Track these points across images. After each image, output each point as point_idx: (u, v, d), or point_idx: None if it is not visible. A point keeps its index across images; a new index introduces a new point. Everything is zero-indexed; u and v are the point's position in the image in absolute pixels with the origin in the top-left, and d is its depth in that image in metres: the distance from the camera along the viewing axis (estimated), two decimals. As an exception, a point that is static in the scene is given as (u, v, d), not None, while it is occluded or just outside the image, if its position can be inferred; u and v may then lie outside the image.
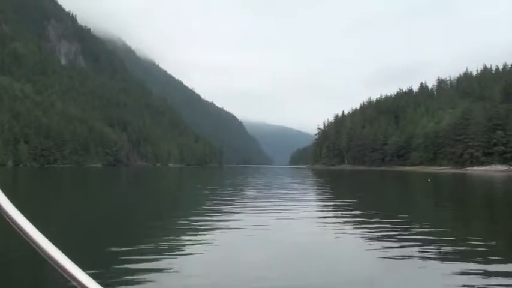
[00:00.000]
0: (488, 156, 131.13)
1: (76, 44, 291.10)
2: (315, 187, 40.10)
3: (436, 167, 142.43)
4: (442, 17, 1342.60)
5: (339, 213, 18.09)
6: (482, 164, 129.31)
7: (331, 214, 18.13)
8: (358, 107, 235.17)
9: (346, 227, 14.36)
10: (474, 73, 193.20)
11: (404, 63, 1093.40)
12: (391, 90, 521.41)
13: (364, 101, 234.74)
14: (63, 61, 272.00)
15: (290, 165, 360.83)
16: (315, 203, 24.06)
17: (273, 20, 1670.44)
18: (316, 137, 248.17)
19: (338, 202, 23.35)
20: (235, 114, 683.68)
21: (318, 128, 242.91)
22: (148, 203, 24.28)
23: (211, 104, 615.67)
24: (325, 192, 32.82)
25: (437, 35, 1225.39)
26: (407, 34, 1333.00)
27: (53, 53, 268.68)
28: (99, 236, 13.13)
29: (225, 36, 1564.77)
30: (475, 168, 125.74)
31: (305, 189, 38.59)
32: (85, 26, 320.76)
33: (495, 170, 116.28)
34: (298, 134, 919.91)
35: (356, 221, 16.15)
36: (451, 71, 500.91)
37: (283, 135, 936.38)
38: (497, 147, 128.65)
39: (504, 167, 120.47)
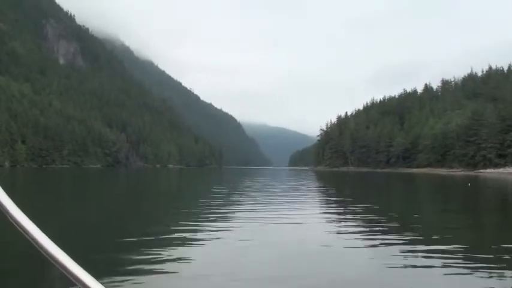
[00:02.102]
0: (502, 158, 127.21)
1: (75, 44, 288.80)
2: (345, 194, 36.48)
3: (445, 169, 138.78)
4: (442, 17, 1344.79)
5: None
6: (495, 166, 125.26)
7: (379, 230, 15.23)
8: (360, 108, 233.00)
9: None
10: (479, 74, 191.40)
11: (405, 63, 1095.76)
12: (391, 91, 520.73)
13: (368, 101, 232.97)
14: (61, 61, 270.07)
15: (289, 166, 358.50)
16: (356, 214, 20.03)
17: (272, 21, 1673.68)
18: (318, 138, 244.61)
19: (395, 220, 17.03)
20: (233, 115, 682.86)
21: (321, 129, 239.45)
22: (158, 206, 21.98)
23: (210, 104, 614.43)
24: (361, 201, 25.65)
25: (437, 35, 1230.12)
26: (407, 34, 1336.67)
27: (51, 52, 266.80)
28: (102, 236, 12.74)
29: (224, 37, 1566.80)
30: (488, 170, 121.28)
31: (340, 197, 34.71)
32: (83, 26, 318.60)
33: (510, 172, 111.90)
34: (297, 136, 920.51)
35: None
36: (451, 72, 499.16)
37: (282, 136, 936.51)
38: (511, 149, 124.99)
39: None
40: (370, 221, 16.08)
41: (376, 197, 32.25)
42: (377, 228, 13.98)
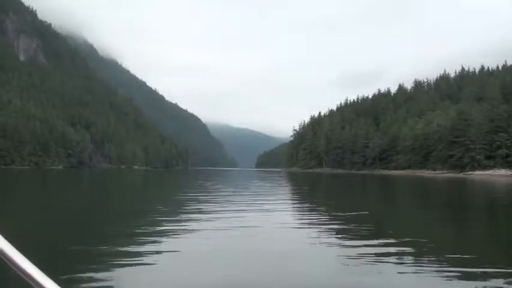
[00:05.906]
0: (490, 159, 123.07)
1: (36, 40, 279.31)
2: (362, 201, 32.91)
3: (428, 170, 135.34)
4: (407, 21, 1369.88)
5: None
6: (484, 168, 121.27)
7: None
8: (327, 109, 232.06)
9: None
10: (452, 75, 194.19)
11: (371, 65, 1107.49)
12: (358, 92, 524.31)
13: (341, 102, 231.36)
14: (22, 57, 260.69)
15: (256, 168, 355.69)
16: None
17: (237, 21, 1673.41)
18: (291, 138, 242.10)
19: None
20: (199, 116, 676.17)
21: (294, 130, 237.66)
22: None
23: (175, 105, 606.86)
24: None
25: (402, 39, 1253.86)
26: (372, 37, 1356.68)
27: (11, 48, 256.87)
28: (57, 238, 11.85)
29: (189, 36, 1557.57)
30: (477, 172, 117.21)
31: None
32: (46, 22, 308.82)
33: (500, 174, 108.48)
34: (261, 137, 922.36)
35: None
36: (409, 75, 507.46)
37: (246, 137, 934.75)
38: (500, 150, 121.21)
39: (509, 172, 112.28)
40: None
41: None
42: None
